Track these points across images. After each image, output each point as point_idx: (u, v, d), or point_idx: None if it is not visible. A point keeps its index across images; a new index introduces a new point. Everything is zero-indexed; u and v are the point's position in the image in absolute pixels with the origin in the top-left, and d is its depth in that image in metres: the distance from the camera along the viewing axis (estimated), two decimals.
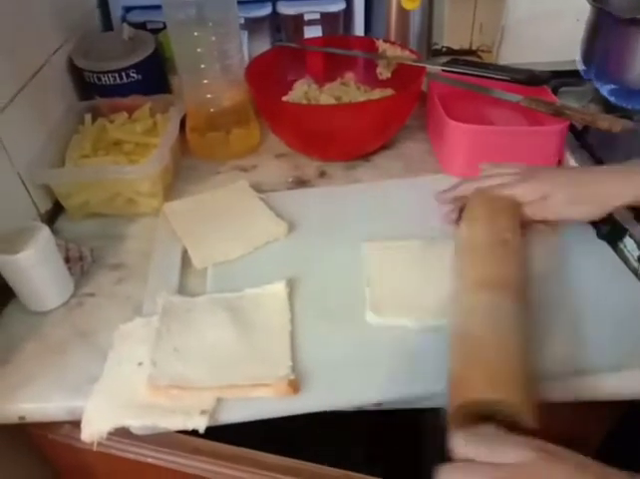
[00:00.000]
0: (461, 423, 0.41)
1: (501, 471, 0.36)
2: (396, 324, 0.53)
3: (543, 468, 0.36)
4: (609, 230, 0.61)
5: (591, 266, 0.59)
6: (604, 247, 0.61)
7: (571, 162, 0.72)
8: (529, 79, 0.73)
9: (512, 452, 0.37)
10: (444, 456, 0.40)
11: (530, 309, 0.50)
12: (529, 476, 0.36)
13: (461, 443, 0.39)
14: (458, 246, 0.57)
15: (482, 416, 0.41)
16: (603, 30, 0.78)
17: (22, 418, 0.50)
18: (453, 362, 0.45)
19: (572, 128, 0.74)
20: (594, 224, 0.62)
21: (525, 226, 0.59)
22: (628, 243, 0.59)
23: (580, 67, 0.84)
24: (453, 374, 0.44)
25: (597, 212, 0.57)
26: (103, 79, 0.78)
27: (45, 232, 0.55)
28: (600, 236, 0.62)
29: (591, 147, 0.73)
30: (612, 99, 0.80)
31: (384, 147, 0.80)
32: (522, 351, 0.45)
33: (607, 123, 0.67)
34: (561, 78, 0.85)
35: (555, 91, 0.82)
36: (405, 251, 0.60)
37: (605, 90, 0.80)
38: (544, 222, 0.60)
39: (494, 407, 0.40)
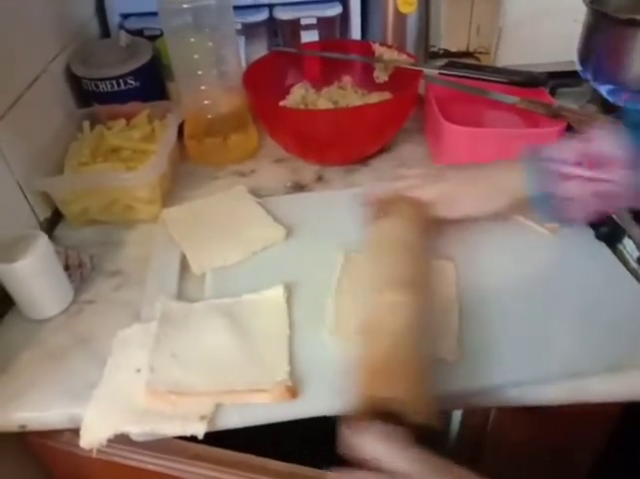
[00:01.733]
0: (365, 417, 0.41)
1: None
2: None
3: None
4: (608, 231, 0.61)
5: (590, 268, 0.58)
6: (603, 249, 0.61)
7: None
8: (527, 80, 0.73)
9: (402, 461, 0.37)
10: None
11: (429, 307, 0.51)
12: None
13: (364, 435, 0.39)
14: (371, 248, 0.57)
15: (383, 413, 0.41)
16: (600, 31, 0.78)
17: (23, 427, 0.50)
18: (361, 358, 0.46)
19: (570, 129, 0.74)
20: (593, 225, 0.62)
21: (435, 224, 0.60)
22: (627, 245, 0.59)
23: (578, 68, 0.85)
24: (361, 369, 0.45)
25: (501, 206, 0.58)
26: (101, 86, 0.78)
27: (43, 240, 0.56)
28: (599, 237, 0.61)
29: None
30: (610, 99, 0.80)
31: (382, 150, 0.80)
32: (418, 351, 0.45)
33: (605, 123, 0.67)
34: (559, 79, 0.85)
35: (553, 92, 0.82)
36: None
37: (603, 90, 0.80)
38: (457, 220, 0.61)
39: (392, 405, 0.40)
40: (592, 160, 0.53)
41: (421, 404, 0.41)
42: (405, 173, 0.65)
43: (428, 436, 0.40)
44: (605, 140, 0.53)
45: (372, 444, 0.38)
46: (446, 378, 0.48)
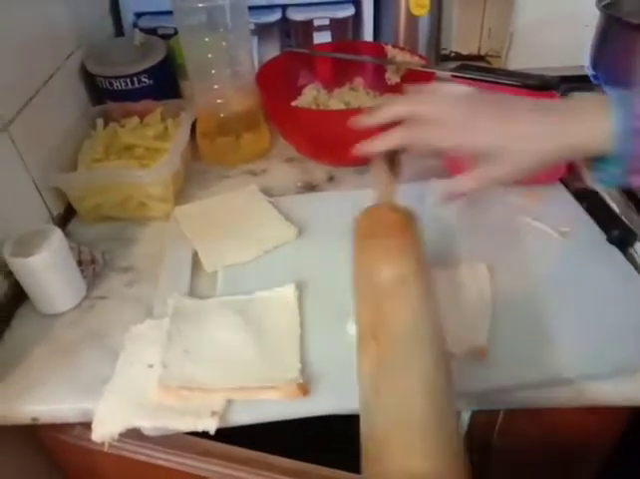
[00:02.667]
0: None
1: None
2: None
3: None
4: (620, 235, 0.61)
5: (601, 271, 0.58)
6: (614, 252, 0.61)
7: (581, 166, 0.72)
8: (540, 84, 0.73)
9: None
10: None
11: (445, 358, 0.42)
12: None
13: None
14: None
15: None
16: (613, 35, 0.78)
17: (35, 419, 0.50)
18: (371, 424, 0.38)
19: None
20: (605, 228, 0.62)
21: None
22: (639, 249, 0.59)
23: (589, 72, 0.85)
24: (371, 436, 0.38)
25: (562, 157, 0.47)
26: (115, 84, 0.79)
27: (58, 234, 0.56)
28: (611, 240, 0.61)
29: None
30: None
31: None
32: (453, 416, 0.39)
33: None
34: (570, 83, 0.85)
35: (564, 96, 0.82)
36: None
37: None
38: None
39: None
40: None
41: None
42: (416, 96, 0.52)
43: None
44: None
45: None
46: (458, 379, 0.48)
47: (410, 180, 0.55)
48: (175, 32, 0.81)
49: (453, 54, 1.03)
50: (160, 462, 0.52)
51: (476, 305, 0.54)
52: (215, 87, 0.76)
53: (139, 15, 0.91)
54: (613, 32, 0.78)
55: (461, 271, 0.58)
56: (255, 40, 0.88)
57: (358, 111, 0.77)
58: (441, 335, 0.43)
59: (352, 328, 0.52)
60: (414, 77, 0.80)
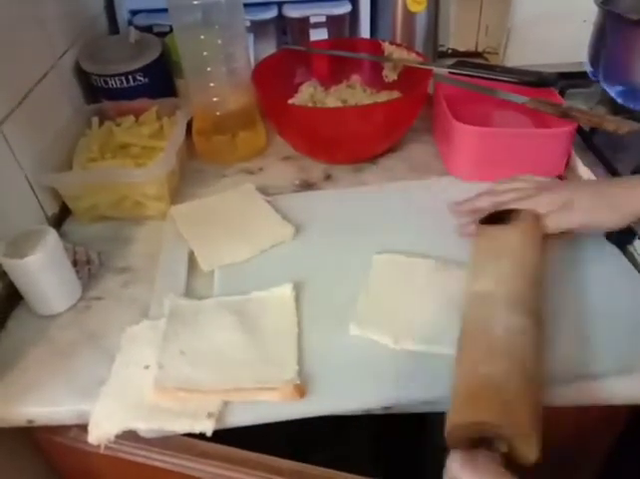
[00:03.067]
0: (460, 441, 0.39)
1: None
2: (377, 341, 0.52)
3: None
4: (619, 233, 0.60)
5: (601, 270, 0.58)
6: (614, 251, 0.60)
7: (579, 163, 0.72)
8: (537, 80, 0.73)
9: None
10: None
11: (543, 336, 0.48)
12: None
13: (456, 464, 0.38)
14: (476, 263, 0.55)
15: (482, 439, 0.39)
16: (611, 31, 0.77)
17: (31, 421, 0.50)
18: (459, 377, 0.44)
19: (580, 130, 0.74)
20: None
21: (547, 239, 0.57)
22: (638, 247, 0.59)
23: (588, 68, 0.84)
24: (456, 389, 0.43)
25: (617, 220, 0.55)
26: (109, 82, 0.78)
27: (53, 235, 0.56)
28: (610, 238, 0.61)
29: (599, 149, 0.72)
30: (620, 100, 0.79)
31: (390, 149, 0.80)
32: (535, 380, 0.43)
33: (614, 125, 0.67)
34: (568, 79, 0.84)
35: (562, 93, 0.82)
36: (409, 269, 0.59)
37: (613, 91, 0.80)
38: (566, 232, 0.57)
39: (496, 433, 0.38)
40: None
41: (525, 434, 0.38)
42: (512, 185, 0.62)
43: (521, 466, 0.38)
44: None
45: (457, 471, 0.37)
46: None
47: None
48: (171, 30, 0.80)
49: (450, 51, 1.03)
50: (157, 464, 0.52)
51: None
52: (211, 85, 0.76)
53: (134, 12, 0.90)
54: (612, 28, 0.77)
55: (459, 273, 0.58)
56: (251, 37, 0.88)
57: (355, 108, 0.77)
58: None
59: (354, 329, 0.52)
60: (411, 74, 0.80)
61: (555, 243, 0.58)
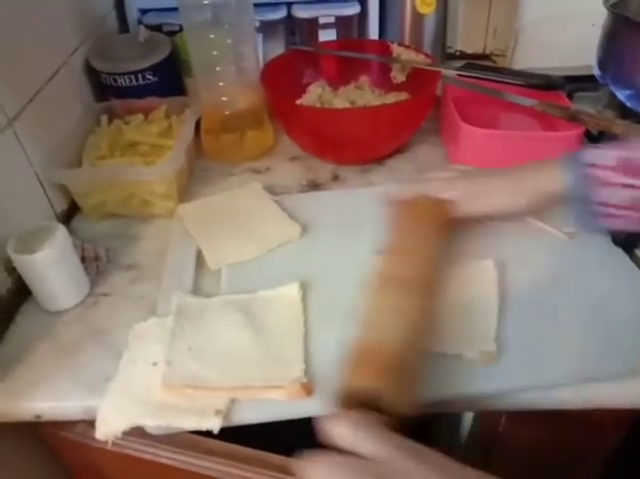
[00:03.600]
0: (346, 405, 0.42)
1: (358, 467, 0.37)
2: None
3: (400, 466, 0.36)
4: (625, 236, 0.60)
5: (607, 273, 0.58)
6: (620, 254, 0.60)
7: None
8: (546, 83, 0.73)
9: (375, 447, 0.37)
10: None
11: (432, 308, 0.52)
12: (381, 473, 0.36)
13: (340, 422, 0.39)
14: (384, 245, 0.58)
15: (368, 404, 0.41)
16: (620, 35, 0.77)
17: (38, 417, 0.50)
18: (355, 340, 0.47)
19: (587, 133, 0.74)
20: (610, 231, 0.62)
21: (458, 224, 0.61)
22: None
23: (596, 72, 0.84)
24: (348, 358, 0.45)
25: (527, 201, 0.58)
26: (119, 81, 0.79)
27: (62, 231, 0.56)
28: (616, 242, 0.61)
29: None
30: (629, 104, 0.79)
31: (398, 150, 0.80)
32: (412, 346, 0.46)
33: (623, 128, 0.67)
34: (576, 83, 0.84)
35: (570, 96, 0.82)
36: None
37: (622, 95, 0.80)
38: (485, 217, 0.62)
39: (377, 396, 0.41)
40: (633, 168, 0.52)
41: (402, 396, 0.42)
42: (429, 176, 0.66)
43: (408, 426, 0.41)
44: None
45: (346, 429, 0.38)
46: (463, 381, 0.48)
47: None
48: (180, 29, 0.80)
49: (458, 53, 1.03)
50: (164, 460, 0.52)
51: (482, 306, 0.54)
52: (220, 84, 0.76)
53: (143, 11, 0.90)
54: (620, 31, 0.77)
55: (467, 269, 0.58)
56: (260, 37, 0.88)
57: (363, 109, 0.77)
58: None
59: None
60: (419, 75, 0.80)
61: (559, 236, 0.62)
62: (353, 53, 0.84)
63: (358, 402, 0.42)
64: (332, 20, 0.90)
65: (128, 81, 0.79)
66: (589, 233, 0.61)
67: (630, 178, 0.52)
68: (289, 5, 0.90)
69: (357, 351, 0.46)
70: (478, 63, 0.81)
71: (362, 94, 0.84)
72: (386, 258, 0.55)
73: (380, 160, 0.79)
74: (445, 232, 0.59)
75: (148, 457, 0.52)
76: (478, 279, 0.57)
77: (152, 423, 0.46)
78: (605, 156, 0.54)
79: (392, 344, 0.45)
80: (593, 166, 0.54)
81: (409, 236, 0.57)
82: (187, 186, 0.76)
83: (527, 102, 0.74)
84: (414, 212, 0.60)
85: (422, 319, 0.49)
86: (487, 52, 1.03)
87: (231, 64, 0.75)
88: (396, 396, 0.42)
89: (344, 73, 0.87)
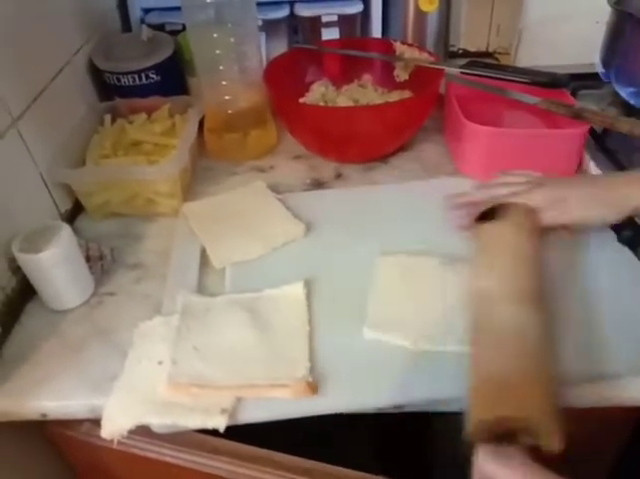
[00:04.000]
0: (482, 438, 0.39)
1: None
2: (394, 343, 0.52)
3: None
4: (630, 234, 0.60)
5: (612, 271, 0.58)
6: (625, 252, 0.60)
7: (591, 165, 0.72)
8: (550, 81, 0.73)
9: None
10: (454, 461, 0.39)
11: (552, 323, 0.49)
12: None
13: (489, 459, 0.38)
14: (479, 257, 0.55)
15: (503, 434, 0.39)
16: (624, 32, 0.77)
17: (44, 415, 0.50)
18: (476, 374, 0.44)
19: (592, 131, 0.73)
20: (615, 228, 0.62)
21: (543, 233, 0.57)
22: None
23: (600, 70, 0.84)
24: (476, 386, 0.43)
25: (614, 214, 0.56)
26: (122, 80, 0.79)
27: (67, 231, 0.56)
28: (621, 240, 0.61)
29: (611, 150, 0.72)
30: (632, 102, 0.79)
31: (401, 148, 0.80)
32: (550, 369, 0.44)
33: (627, 126, 0.67)
34: (580, 80, 0.84)
35: (574, 94, 0.81)
36: (418, 269, 0.59)
37: (625, 92, 0.80)
38: (563, 227, 0.59)
39: (519, 426, 0.39)
40: None
41: (548, 425, 0.39)
42: (506, 179, 0.63)
43: (549, 458, 0.38)
44: None
45: (490, 466, 0.37)
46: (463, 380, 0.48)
47: None
48: (183, 28, 0.80)
49: (461, 51, 1.02)
50: (169, 459, 0.52)
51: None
52: (223, 83, 0.76)
53: (146, 11, 0.90)
54: (625, 29, 0.77)
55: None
56: (263, 36, 0.88)
57: (366, 108, 0.77)
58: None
59: (368, 333, 0.52)
60: (422, 74, 0.80)
61: (555, 241, 0.59)
62: (356, 51, 0.84)
63: (495, 435, 0.39)
64: (335, 18, 0.89)
65: (131, 80, 0.79)
66: None
67: None
68: (292, 4, 0.90)
69: (482, 382, 0.43)
70: (481, 61, 0.81)
71: (365, 92, 0.84)
72: (483, 274, 0.52)
73: (383, 158, 0.79)
74: (539, 239, 0.55)
75: (153, 456, 0.52)
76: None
77: (157, 422, 0.46)
78: None
79: (532, 369, 0.42)
80: None
81: (506, 247, 0.54)
82: (191, 185, 0.76)
83: (531, 100, 0.73)
84: (505, 220, 0.55)
85: (546, 336, 0.46)
86: (491, 50, 1.03)
87: (234, 63, 0.75)
88: (542, 424, 0.39)
89: (347, 71, 0.87)
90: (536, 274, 0.52)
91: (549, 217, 0.57)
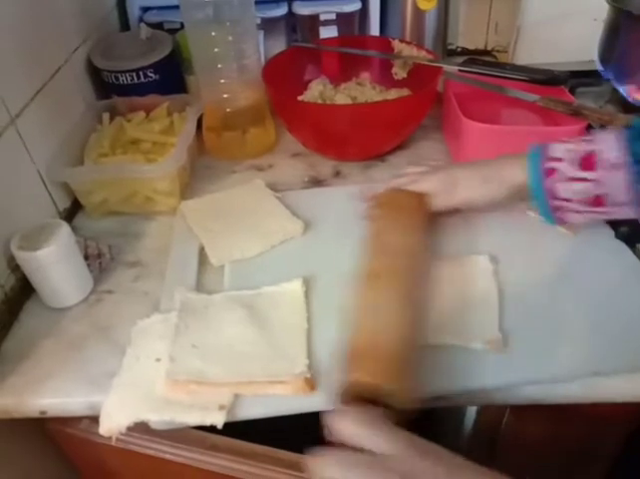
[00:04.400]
0: (348, 400, 0.42)
1: (372, 462, 0.37)
2: None
3: (409, 463, 0.36)
4: (628, 230, 0.60)
5: (609, 267, 0.58)
6: (623, 248, 0.60)
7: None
8: (548, 79, 0.73)
9: (385, 442, 0.37)
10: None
11: (420, 301, 0.52)
12: (395, 468, 0.36)
13: (346, 418, 0.39)
14: (366, 242, 0.58)
15: (369, 399, 0.42)
16: (622, 29, 0.77)
17: (43, 413, 0.50)
18: (352, 337, 0.47)
19: (590, 128, 0.73)
20: (613, 225, 0.62)
21: (434, 217, 0.61)
22: None
23: (598, 67, 0.84)
24: (350, 350, 0.46)
25: (500, 193, 0.59)
26: (121, 78, 0.79)
27: (65, 229, 0.56)
28: (619, 236, 0.61)
29: None
30: (630, 99, 0.79)
31: (400, 146, 0.80)
32: (401, 338, 0.46)
33: (625, 123, 0.67)
34: (578, 78, 0.84)
35: (573, 91, 0.82)
36: None
37: (624, 90, 0.80)
38: (455, 210, 0.62)
39: (379, 392, 0.42)
40: (588, 161, 0.53)
41: (403, 391, 0.42)
42: (406, 170, 0.67)
43: (410, 421, 0.40)
44: (605, 142, 0.53)
45: (354, 426, 0.39)
46: (467, 374, 0.48)
47: None
48: (182, 26, 0.80)
49: (459, 49, 1.02)
50: (168, 456, 0.52)
51: (482, 299, 0.54)
52: (222, 81, 0.76)
53: (145, 9, 0.90)
54: (623, 26, 0.77)
55: (464, 264, 0.59)
56: (261, 34, 0.88)
57: (364, 106, 0.77)
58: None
59: None
60: (421, 72, 0.80)
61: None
62: (354, 49, 0.84)
63: (359, 398, 0.42)
64: (333, 17, 0.90)
65: (129, 79, 0.79)
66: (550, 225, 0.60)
67: (581, 171, 0.53)
68: (290, 2, 0.90)
69: (354, 348, 0.46)
70: (479, 58, 0.81)
71: (363, 90, 0.84)
72: (369, 254, 0.55)
73: (381, 156, 0.79)
74: (424, 223, 0.59)
75: (152, 453, 0.52)
76: (475, 274, 0.58)
77: (155, 419, 0.46)
78: (567, 149, 0.55)
79: (388, 339, 0.46)
80: (552, 159, 0.55)
81: (390, 229, 0.58)
82: (190, 183, 0.76)
83: (530, 97, 0.74)
84: (391, 204, 0.60)
85: (414, 312, 0.50)
86: (489, 48, 1.03)
87: (233, 61, 0.75)
88: (396, 391, 0.42)
89: (345, 69, 0.87)
90: (413, 252, 0.55)
91: (439, 201, 0.61)
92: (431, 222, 0.61)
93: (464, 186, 0.60)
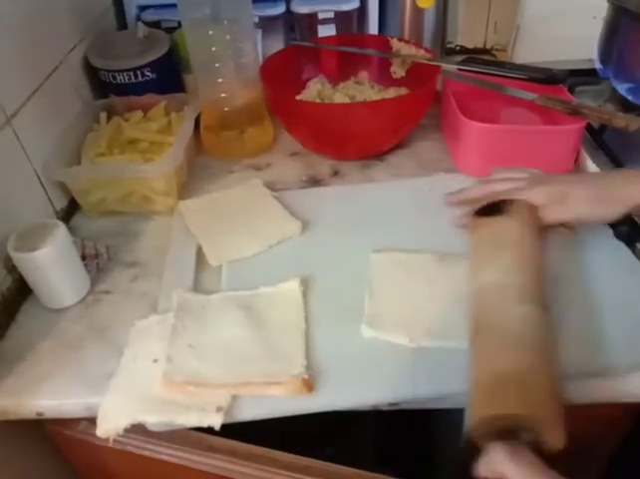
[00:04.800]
0: (483, 435, 0.39)
1: None
2: (391, 341, 0.51)
3: None
4: (627, 230, 0.60)
5: (609, 267, 0.58)
6: (622, 248, 0.60)
7: (588, 161, 0.71)
8: (547, 78, 0.72)
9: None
10: (454, 457, 0.39)
11: (552, 322, 0.48)
12: None
13: (500, 456, 0.37)
14: (480, 253, 0.55)
15: (505, 432, 0.39)
16: (622, 28, 0.77)
17: (40, 414, 0.50)
18: (478, 371, 0.44)
19: (589, 127, 0.73)
20: (612, 224, 0.61)
21: (544, 230, 0.57)
22: None
23: (597, 66, 0.84)
24: (478, 383, 0.43)
25: (613, 213, 0.56)
26: (118, 78, 0.78)
27: (62, 229, 0.56)
28: (618, 236, 0.61)
29: (608, 146, 0.72)
30: (630, 97, 0.79)
31: (398, 146, 0.80)
32: (552, 367, 0.43)
33: (624, 122, 0.66)
34: (577, 77, 0.84)
35: (571, 90, 0.81)
36: (413, 265, 0.58)
37: (623, 89, 0.79)
38: (562, 225, 0.58)
39: (522, 423, 0.39)
40: None
41: (552, 422, 0.39)
42: (507, 175, 0.62)
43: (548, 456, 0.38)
44: None
45: (502, 464, 0.37)
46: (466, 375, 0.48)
47: None
48: (179, 25, 0.80)
49: (458, 47, 1.02)
50: (165, 457, 0.52)
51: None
52: (219, 80, 0.76)
53: (142, 8, 0.90)
54: (622, 24, 0.76)
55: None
56: (259, 33, 0.87)
57: (363, 105, 0.77)
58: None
59: (366, 331, 0.52)
60: (419, 70, 0.79)
61: (555, 238, 0.58)
62: (352, 48, 0.84)
63: (494, 434, 0.39)
64: (331, 15, 0.89)
65: (127, 78, 0.78)
66: None
67: None
68: (288, 0, 0.89)
69: (487, 379, 0.42)
70: (478, 57, 0.81)
71: (362, 89, 0.83)
72: (486, 269, 0.51)
73: (380, 155, 0.79)
74: (541, 235, 0.55)
75: (149, 454, 0.52)
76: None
77: (153, 420, 0.46)
78: None
79: (531, 367, 0.42)
80: None
81: (511, 242, 0.53)
82: (188, 182, 0.76)
83: (528, 96, 0.73)
84: (508, 215, 0.55)
85: (547, 335, 0.46)
86: (488, 47, 1.02)
87: (230, 60, 0.74)
88: (546, 425, 0.38)
89: (344, 68, 0.87)
90: (539, 272, 0.51)
91: (551, 214, 0.56)
92: (543, 235, 0.56)
93: (576, 202, 0.55)
